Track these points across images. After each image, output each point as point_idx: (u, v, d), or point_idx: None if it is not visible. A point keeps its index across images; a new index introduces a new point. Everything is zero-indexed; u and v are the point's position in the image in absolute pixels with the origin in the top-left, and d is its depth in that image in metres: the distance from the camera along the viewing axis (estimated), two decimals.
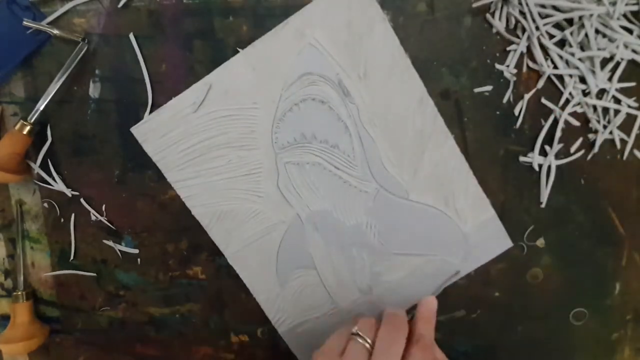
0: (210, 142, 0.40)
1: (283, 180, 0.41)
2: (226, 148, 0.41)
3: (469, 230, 0.43)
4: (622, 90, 0.41)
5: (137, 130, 0.40)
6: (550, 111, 0.41)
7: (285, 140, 0.41)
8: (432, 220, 0.43)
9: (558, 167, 0.42)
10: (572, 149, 0.42)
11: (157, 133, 0.40)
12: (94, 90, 0.41)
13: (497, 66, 0.40)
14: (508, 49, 0.40)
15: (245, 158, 0.41)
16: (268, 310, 0.44)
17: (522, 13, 0.39)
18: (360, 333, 0.35)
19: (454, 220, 0.43)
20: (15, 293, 0.43)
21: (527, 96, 0.41)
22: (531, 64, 0.40)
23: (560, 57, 0.40)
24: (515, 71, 0.40)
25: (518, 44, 0.40)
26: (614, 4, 0.38)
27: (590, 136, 0.42)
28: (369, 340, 0.34)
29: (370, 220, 0.43)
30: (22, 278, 0.44)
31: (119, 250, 0.43)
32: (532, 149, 0.42)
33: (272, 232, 0.42)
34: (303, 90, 0.40)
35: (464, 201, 0.43)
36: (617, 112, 0.41)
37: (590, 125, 0.42)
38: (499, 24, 0.39)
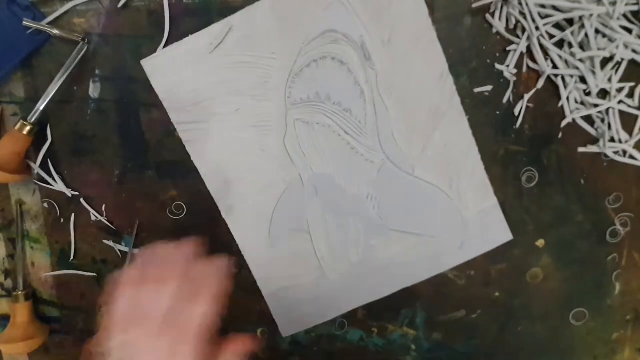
0: (221, 87, 0.39)
1: (290, 137, 0.40)
2: (237, 96, 0.39)
3: (469, 217, 0.42)
4: (622, 90, 0.41)
5: (147, 63, 0.39)
6: (551, 111, 0.41)
7: (299, 97, 0.40)
8: (434, 200, 0.42)
9: (558, 167, 0.43)
10: (572, 149, 0.42)
11: (168, 69, 0.38)
12: (94, 90, 0.40)
13: (497, 66, 0.40)
14: (508, 49, 0.40)
15: (255, 109, 0.39)
16: (255, 270, 0.43)
17: (522, 13, 0.39)
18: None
19: (455, 203, 0.42)
20: (15, 293, 0.43)
21: (527, 96, 0.41)
22: (531, 64, 0.40)
23: (560, 57, 0.40)
24: (515, 71, 0.40)
25: (518, 44, 0.40)
26: (614, 4, 0.38)
27: (591, 136, 0.42)
28: None
29: (372, 192, 0.42)
30: (21, 278, 0.43)
31: (119, 250, 0.43)
32: (532, 149, 0.42)
33: (270, 190, 0.41)
34: (324, 47, 0.39)
35: (467, 185, 0.42)
36: (617, 112, 0.41)
37: (595, 126, 0.42)
38: (499, 24, 0.39)
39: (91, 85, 0.40)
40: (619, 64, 0.40)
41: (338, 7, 0.38)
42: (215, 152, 0.40)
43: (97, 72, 0.40)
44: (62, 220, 0.43)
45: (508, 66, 0.40)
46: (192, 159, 0.40)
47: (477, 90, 0.41)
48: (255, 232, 0.42)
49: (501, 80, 0.41)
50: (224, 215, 0.42)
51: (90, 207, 0.42)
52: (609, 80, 0.40)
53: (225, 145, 0.40)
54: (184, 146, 0.41)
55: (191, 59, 0.38)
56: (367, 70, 0.39)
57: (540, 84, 0.41)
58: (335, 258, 0.43)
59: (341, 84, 0.39)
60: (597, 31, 0.39)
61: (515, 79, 0.41)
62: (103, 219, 0.43)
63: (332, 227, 0.42)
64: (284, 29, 0.38)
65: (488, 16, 0.39)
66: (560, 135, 0.42)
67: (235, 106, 0.39)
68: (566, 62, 0.40)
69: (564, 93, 0.41)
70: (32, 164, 0.42)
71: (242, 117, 0.40)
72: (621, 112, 0.41)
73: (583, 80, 0.40)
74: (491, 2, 0.39)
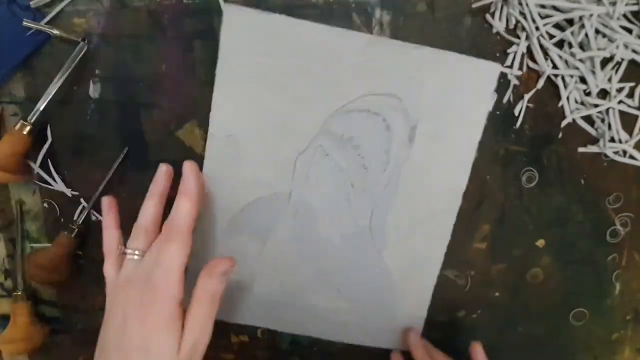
0: (278, 76, 0.38)
1: (306, 156, 0.40)
2: (286, 92, 0.38)
3: (399, 313, 0.44)
4: (622, 90, 0.41)
5: (229, 10, 0.37)
6: (551, 111, 0.41)
7: (335, 130, 0.40)
8: (382, 285, 0.43)
9: (558, 167, 0.43)
10: (572, 149, 0.42)
11: (244, 28, 0.37)
12: (94, 90, 0.40)
13: (503, 69, 0.40)
14: (508, 50, 0.40)
15: (293, 113, 0.39)
16: (196, 240, 0.40)
17: (522, 13, 0.39)
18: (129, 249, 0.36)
19: (396, 296, 0.44)
20: (15, 293, 0.43)
21: (527, 96, 0.41)
22: (531, 64, 0.40)
23: (560, 57, 0.40)
24: (519, 73, 0.40)
25: (518, 44, 0.40)
26: (614, 4, 0.38)
27: (591, 136, 0.42)
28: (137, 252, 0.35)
29: (339, 246, 0.42)
30: (21, 278, 0.43)
31: None
32: (532, 149, 0.42)
33: (256, 187, 0.41)
34: (382, 106, 0.39)
35: (414, 288, 0.44)
36: (617, 112, 0.41)
37: (595, 126, 0.42)
38: (499, 24, 0.39)
39: (91, 85, 0.40)
40: (619, 64, 0.40)
41: (416, 84, 0.39)
42: (233, 123, 0.39)
43: (97, 72, 0.40)
44: (62, 220, 0.43)
45: (511, 67, 0.40)
46: (210, 115, 0.39)
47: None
48: (215, 208, 0.41)
49: (501, 80, 0.41)
50: (205, 170, 0.40)
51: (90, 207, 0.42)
52: (609, 80, 0.40)
53: (245, 123, 0.39)
54: (184, 146, 0.41)
55: (277, 34, 0.37)
56: (403, 149, 0.40)
57: (540, 84, 0.41)
58: (271, 277, 0.43)
59: (376, 144, 0.40)
60: (597, 31, 0.39)
61: (517, 82, 0.40)
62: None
63: (287, 250, 0.42)
64: (363, 68, 0.39)
65: (488, 16, 0.39)
66: (560, 135, 0.42)
67: (281, 98, 0.39)
68: (566, 62, 0.40)
69: (564, 93, 0.41)
70: (32, 164, 0.42)
71: (276, 111, 0.39)
72: (621, 112, 0.41)
73: (583, 80, 0.40)
74: (491, 2, 0.39)
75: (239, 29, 0.37)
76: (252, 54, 0.38)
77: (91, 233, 0.43)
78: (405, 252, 0.43)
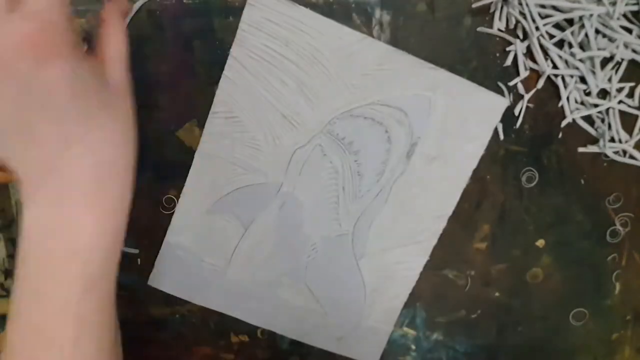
0: (292, 67, 0.39)
1: (304, 151, 0.40)
2: (296, 84, 0.39)
3: (364, 323, 0.44)
4: (622, 90, 0.41)
5: None
6: (551, 111, 0.41)
7: (337, 131, 0.40)
8: (352, 291, 0.43)
9: (558, 167, 0.43)
10: (572, 149, 0.42)
11: (268, 13, 0.37)
12: None
13: (512, 83, 0.40)
14: (508, 49, 0.40)
15: (299, 106, 0.39)
16: (177, 215, 0.42)
17: (522, 13, 0.39)
18: None
19: (364, 305, 0.44)
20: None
21: (527, 96, 0.41)
22: (531, 64, 0.40)
23: (560, 57, 0.40)
24: (527, 74, 0.40)
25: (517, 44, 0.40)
26: (614, 4, 0.38)
27: (591, 136, 0.42)
28: None
29: (318, 246, 0.43)
30: None
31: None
32: (532, 149, 0.42)
33: (249, 173, 0.41)
34: (388, 118, 0.40)
35: (384, 302, 0.44)
36: (617, 112, 0.41)
37: (595, 126, 0.42)
38: (499, 24, 0.39)
39: None
40: (619, 64, 0.40)
41: (424, 102, 0.39)
42: (238, 104, 0.39)
43: None
44: None
45: (518, 69, 0.40)
46: (217, 91, 0.39)
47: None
48: (204, 189, 0.41)
49: (501, 80, 0.41)
50: (197, 153, 0.40)
51: None
52: (609, 80, 0.40)
53: (250, 107, 0.39)
54: (184, 146, 0.41)
55: (290, 25, 0.38)
56: (400, 163, 0.41)
57: (540, 84, 0.41)
58: (246, 265, 0.43)
59: (374, 153, 0.41)
60: (597, 31, 0.39)
61: (525, 93, 0.40)
62: None
63: (267, 241, 0.42)
64: (376, 76, 0.39)
65: (488, 16, 0.39)
66: (560, 135, 0.42)
67: (287, 89, 0.39)
68: (566, 62, 0.40)
69: (564, 93, 0.41)
70: None
71: (283, 101, 0.39)
72: (621, 112, 0.41)
73: (583, 80, 0.40)
74: (491, 2, 0.39)
75: (262, 11, 0.38)
76: (271, 40, 0.38)
77: None
78: (382, 265, 0.43)
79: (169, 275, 0.43)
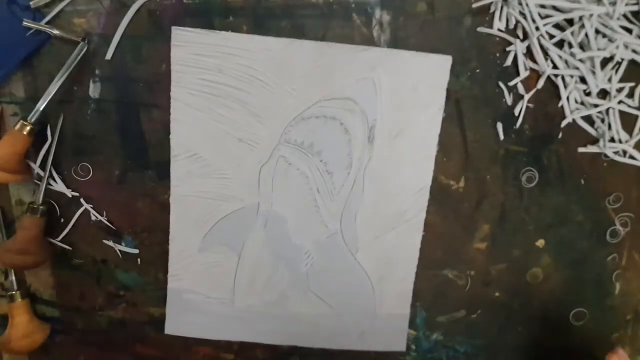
0: (232, 91, 0.39)
1: (268, 167, 0.41)
2: (241, 106, 0.39)
3: (380, 314, 0.44)
4: (622, 90, 0.41)
5: (177, 32, 0.38)
6: (551, 111, 0.41)
7: (294, 138, 0.40)
8: (359, 286, 0.44)
9: (558, 167, 0.43)
10: (572, 149, 0.42)
11: (194, 48, 0.38)
12: (94, 90, 0.40)
13: (512, 83, 0.40)
14: (508, 49, 0.40)
15: (251, 126, 0.40)
16: (172, 261, 0.43)
17: (522, 13, 0.39)
18: None
19: (375, 297, 0.44)
20: (9, 293, 0.43)
21: (527, 96, 0.41)
22: (531, 64, 0.40)
23: (560, 57, 0.40)
24: (527, 74, 0.40)
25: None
26: (614, 4, 0.38)
27: (591, 136, 0.42)
28: None
29: (312, 252, 0.43)
30: (13, 276, 0.43)
31: (119, 250, 0.43)
32: (532, 149, 0.42)
33: (225, 202, 0.41)
34: (339, 111, 0.40)
35: (393, 287, 0.44)
36: (617, 112, 0.41)
37: (595, 126, 0.42)
38: (499, 24, 0.39)
39: (91, 85, 0.40)
40: (619, 64, 0.40)
41: (369, 85, 0.40)
42: (194, 143, 0.40)
43: (97, 72, 0.40)
44: (62, 220, 0.43)
45: (517, 68, 0.40)
46: (171, 137, 0.40)
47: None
48: (191, 229, 0.42)
49: (501, 80, 0.41)
50: (171, 198, 0.41)
51: (90, 207, 0.42)
52: (609, 80, 0.40)
53: (206, 142, 0.40)
54: None
55: (219, 51, 0.38)
56: (364, 150, 0.41)
57: (540, 84, 0.41)
58: (249, 289, 0.43)
59: (336, 148, 0.41)
60: (597, 31, 0.39)
61: (525, 93, 0.40)
62: (103, 219, 0.43)
63: (262, 262, 0.43)
64: (315, 74, 0.39)
65: (488, 16, 0.39)
66: (560, 135, 0.42)
67: (236, 114, 0.40)
68: (566, 62, 0.40)
69: (564, 93, 0.41)
70: (32, 164, 0.42)
71: (235, 126, 0.40)
72: (621, 112, 0.41)
73: (583, 80, 0.40)
74: (491, 2, 0.39)
75: (188, 48, 0.38)
76: (204, 72, 0.39)
77: (84, 230, 0.43)
78: (379, 252, 0.43)
79: (183, 320, 0.43)
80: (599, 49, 0.39)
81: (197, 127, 0.40)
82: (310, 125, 0.40)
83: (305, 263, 0.43)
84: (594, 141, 0.42)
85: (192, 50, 0.38)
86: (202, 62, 0.39)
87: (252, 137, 0.40)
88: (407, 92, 0.40)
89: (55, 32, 0.38)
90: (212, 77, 0.39)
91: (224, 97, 0.39)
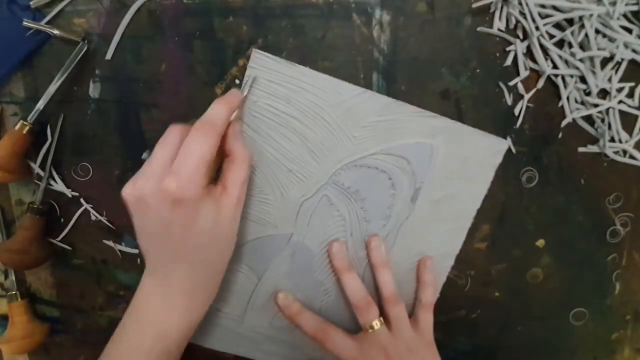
0: (295, 123, 0.39)
1: (310, 203, 0.41)
2: (300, 139, 0.40)
3: None
4: (622, 90, 0.41)
5: (256, 56, 0.38)
6: (551, 111, 0.41)
7: (342, 182, 0.41)
8: None
9: (558, 167, 0.43)
10: (572, 149, 0.42)
11: (269, 75, 0.38)
12: (94, 90, 0.41)
13: (512, 83, 0.40)
14: (508, 49, 0.40)
15: (304, 160, 0.40)
16: None
17: (522, 13, 0.39)
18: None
19: None
20: (9, 293, 0.43)
21: (527, 96, 0.41)
22: (531, 64, 0.40)
23: (560, 57, 0.40)
24: (526, 74, 0.40)
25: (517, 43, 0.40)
26: (614, 4, 0.38)
27: (591, 136, 0.42)
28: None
29: (331, 291, 0.43)
30: (13, 276, 0.43)
31: (119, 250, 0.43)
32: (532, 149, 0.42)
33: (260, 225, 0.42)
34: (391, 166, 0.40)
35: None
36: (617, 112, 0.41)
37: (595, 126, 0.42)
38: (499, 24, 0.39)
39: (91, 85, 0.40)
40: (619, 64, 0.40)
41: (426, 150, 0.40)
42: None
43: (97, 72, 0.40)
44: (62, 220, 0.43)
45: (517, 68, 0.40)
46: None
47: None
48: None
49: (501, 80, 0.41)
50: None
51: (90, 207, 0.42)
52: (609, 80, 0.40)
53: (257, 160, 0.40)
54: None
55: (294, 84, 0.39)
56: (405, 207, 0.41)
57: (540, 84, 0.41)
58: (262, 313, 0.44)
59: (380, 200, 0.41)
60: (597, 31, 0.39)
61: (525, 93, 0.40)
62: (103, 219, 0.43)
63: (280, 289, 0.43)
64: (378, 127, 0.40)
65: (488, 16, 0.39)
66: (560, 135, 0.42)
67: (292, 145, 0.40)
68: (566, 62, 0.40)
69: (564, 93, 0.41)
70: (32, 164, 0.42)
71: (288, 157, 0.40)
72: (621, 112, 0.41)
73: (583, 80, 0.40)
74: (491, 2, 0.39)
75: (263, 73, 0.39)
76: (272, 99, 0.39)
77: (84, 230, 0.43)
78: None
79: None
80: (599, 49, 0.39)
81: (251, 146, 0.40)
82: (361, 173, 0.41)
83: (321, 300, 0.44)
84: (594, 141, 0.42)
85: (267, 76, 0.39)
86: (273, 89, 0.39)
87: (303, 170, 0.40)
88: (458, 163, 0.41)
89: (55, 32, 0.38)
90: (279, 106, 0.39)
91: (285, 126, 0.39)
